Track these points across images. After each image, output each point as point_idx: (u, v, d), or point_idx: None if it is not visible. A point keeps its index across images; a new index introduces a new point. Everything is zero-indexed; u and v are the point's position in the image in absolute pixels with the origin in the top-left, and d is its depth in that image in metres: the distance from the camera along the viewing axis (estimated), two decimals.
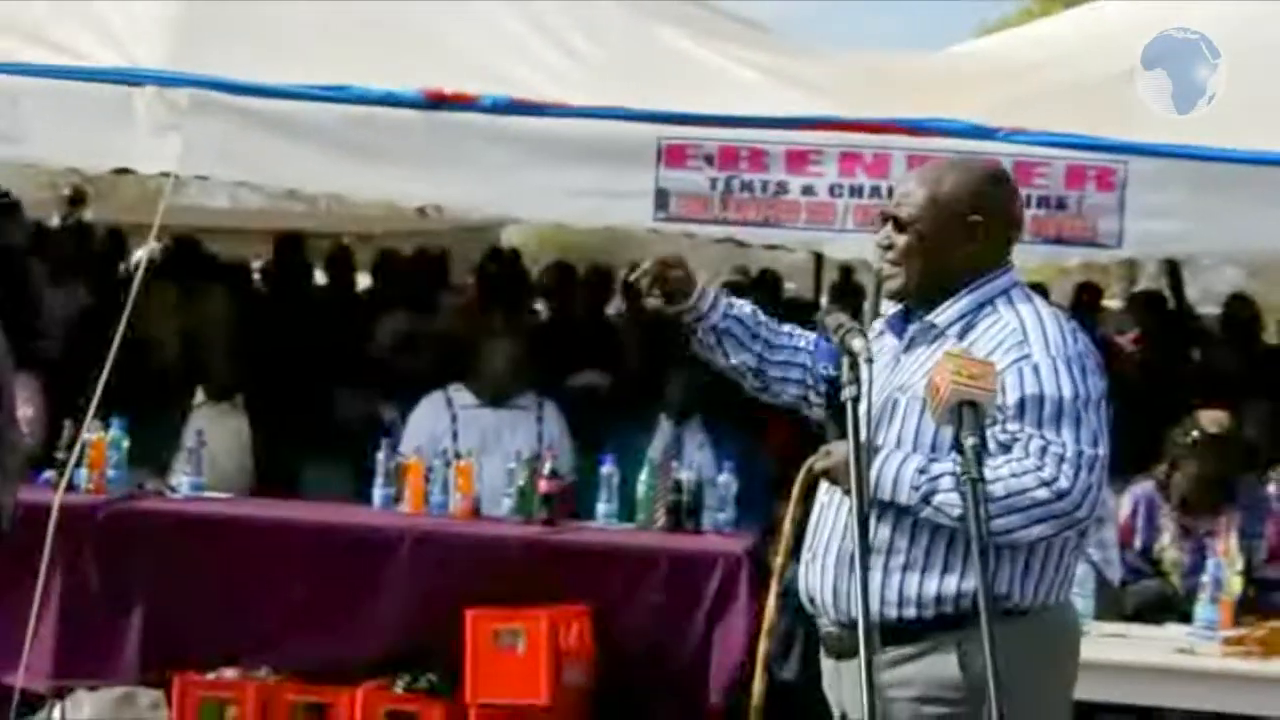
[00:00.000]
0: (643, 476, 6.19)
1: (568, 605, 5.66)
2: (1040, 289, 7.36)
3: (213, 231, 12.11)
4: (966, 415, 2.98)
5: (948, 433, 3.22)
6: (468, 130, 6.06)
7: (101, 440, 6.15)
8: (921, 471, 3.24)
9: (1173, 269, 9.88)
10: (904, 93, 6.40)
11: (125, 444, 6.24)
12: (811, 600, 3.44)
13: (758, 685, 3.53)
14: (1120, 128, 6.01)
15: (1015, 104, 6.23)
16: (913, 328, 3.44)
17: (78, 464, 6.04)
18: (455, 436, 6.74)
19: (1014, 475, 3.19)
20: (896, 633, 3.25)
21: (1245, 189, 5.87)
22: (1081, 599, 5.31)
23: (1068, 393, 3.23)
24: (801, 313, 9.26)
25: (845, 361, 3.15)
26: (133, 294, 5.95)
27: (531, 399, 6.90)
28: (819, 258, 9.60)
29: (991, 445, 3.14)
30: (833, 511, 3.41)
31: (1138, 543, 6.20)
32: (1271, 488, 6.38)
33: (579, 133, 6.05)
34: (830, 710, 3.52)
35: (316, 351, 7.95)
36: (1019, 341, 3.29)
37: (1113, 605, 5.87)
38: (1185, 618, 5.70)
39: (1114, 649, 5.24)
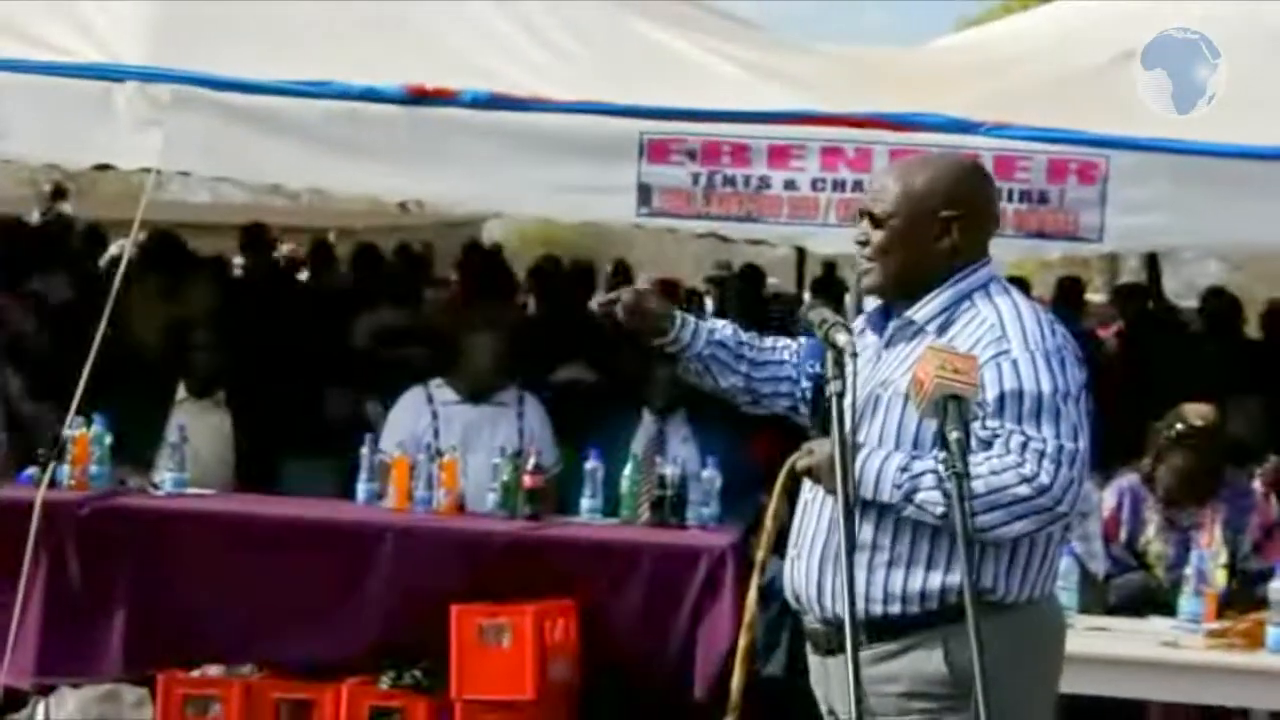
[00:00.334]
0: (627, 471, 6.19)
1: (553, 600, 5.65)
2: (1022, 283, 7.38)
3: (193, 227, 12.09)
4: (951, 409, 2.99)
5: (930, 428, 3.22)
6: (450, 125, 6.05)
7: (84, 437, 6.13)
8: (903, 470, 3.24)
9: (1152, 262, 9.91)
10: (886, 87, 6.41)
11: (108, 440, 6.22)
12: (796, 597, 3.44)
13: (737, 679, 3.53)
14: (1102, 121, 6.02)
15: (997, 98, 6.24)
16: (893, 324, 3.45)
17: (60, 461, 6.02)
18: (436, 434, 6.73)
19: (994, 472, 3.19)
20: (881, 629, 3.25)
21: (1227, 182, 5.88)
22: (1065, 592, 5.31)
23: (1047, 387, 3.23)
24: (784, 307, 9.32)
25: (830, 357, 3.15)
26: (114, 290, 5.94)
27: (512, 394, 6.89)
28: (801, 252, 9.61)
29: (972, 441, 3.14)
30: (816, 509, 3.41)
31: (1122, 535, 6.21)
32: (1256, 482, 6.40)
33: (562, 128, 6.05)
34: (817, 705, 3.52)
35: (299, 347, 7.94)
36: (997, 337, 3.29)
37: (1097, 598, 5.88)
38: (1169, 610, 5.72)
39: (1098, 642, 5.25)
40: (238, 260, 10.59)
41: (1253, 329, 9.50)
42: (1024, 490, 3.19)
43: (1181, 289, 12.78)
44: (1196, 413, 6.14)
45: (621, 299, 3.63)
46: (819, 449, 3.32)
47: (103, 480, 6.20)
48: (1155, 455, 6.21)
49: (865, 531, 3.26)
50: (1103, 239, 6.03)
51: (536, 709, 5.57)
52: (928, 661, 3.28)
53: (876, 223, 3.44)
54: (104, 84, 6.05)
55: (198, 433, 6.70)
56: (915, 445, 3.28)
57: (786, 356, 3.67)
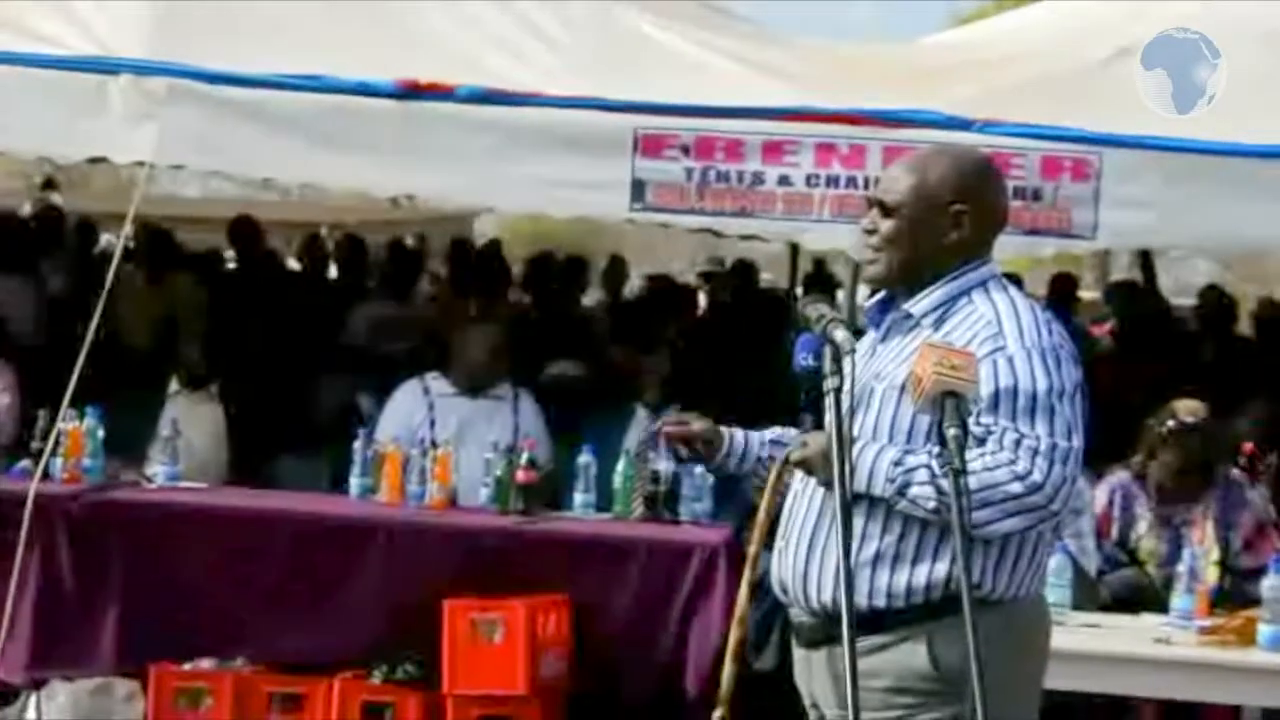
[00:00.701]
0: (620, 467, 6.19)
1: (545, 595, 5.66)
2: (1015, 280, 7.34)
3: (184, 221, 12.08)
4: (949, 406, 2.98)
5: (923, 422, 3.22)
6: (443, 120, 6.05)
7: (77, 429, 6.13)
8: (897, 464, 3.24)
9: (1146, 260, 9.92)
10: (880, 84, 6.41)
11: (100, 433, 6.22)
12: (783, 588, 3.44)
13: (727, 673, 3.53)
14: (1095, 119, 6.02)
15: (991, 95, 6.25)
16: (890, 317, 3.45)
17: (53, 453, 6.02)
18: (432, 425, 6.73)
19: (987, 469, 3.18)
20: (867, 623, 3.23)
21: (1220, 180, 5.88)
22: (1058, 589, 5.32)
23: (1041, 385, 3.23)
24: (776, 303, 9.33)
25: (828, 352, 3.14)
26: (108, 283, 5.93)
27: (508, 389, 6.90)
28: (794, 248, 9.60)
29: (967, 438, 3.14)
30: (805, 500, 3.41)
31: (1114, 533, 6.22)
32: (1237, 476, 6.41)
33: (555, 123, 6.05)
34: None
35: (292, 340, 7.94)
36: (993, 334, 3.28)
37: (1089, 595, 5.89)
38: (1161, 607, 5.72)
39: (1091, 639, 5.25)
40: (230, 254, 10.57)
41: (1244, 326, 9.52)
42: (1017, 488, 3.19)
43: (1172, 287, 12.79)
44: (1187, 409, 6.14)
45: (671, 429, 3.66)
46: (813, 442, 3.32)
47: (95, 473, 6.20)
48: (1147, 452, 6.22)
49: (854, 524, 3.25)
50: (1096, 236, 6.05)
51: (528, 704, 5.57)
52: (912, 657, 3.27)
53: (886, 212, 3.43)
54: (98, 77, 6.05)
55: (190, 426, 6.70)
56: (908, 438, 3.28)
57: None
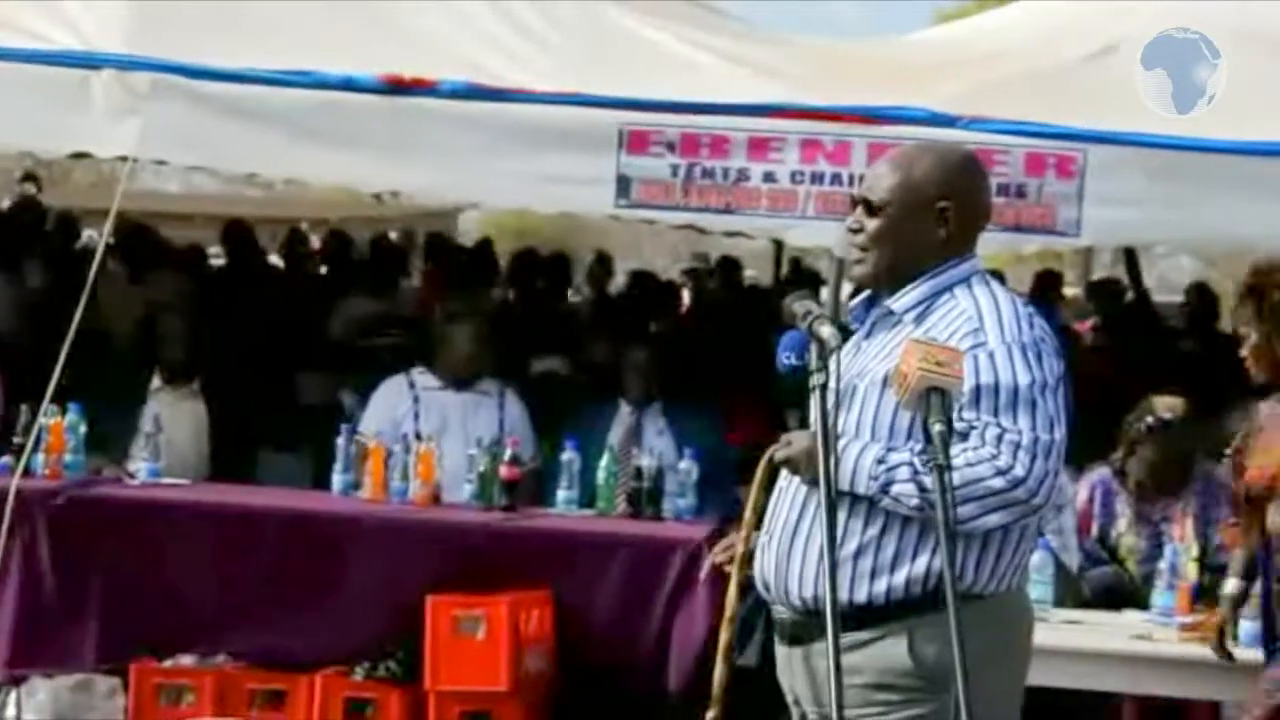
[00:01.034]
0: (603, 463, 6.19)
1: (528, 592, 5.65)
2: (998, 276, 7.35)
3: (165, 216, 12.06)
4: (934, 401, 2.99)
5: (905, 419, 3.23)
6: (428, 116, 6.04)
7: (59, 425, 6.11)
8: (880, 461, 3.24)
9: (1130, 257, 9.94)
10: (865, 80, 6.41)
11: (82, 429, 6.20)
12: (765, 585, 3.44)
13: (719, 673, 3.53)
14: (1079, 116, 6.03)
15: (975, 92, 6.25)
16: (873, 314, 3.45)
17: (34, 449, 6.00)
18: (417, 417, 6.72)
19: (970, 464, 3.19)
20: (849, 619, 3.22)
21: (1204, 177, 5.89)
22: (1040, 585, 5.34)
23: (1023, 379, 3.23)
24: (760, 299, 9.33)
25: (814, 348, 3.14)
26: (90, 278, 5.91)
27: (494, 385, 6.89)
28: (779, 244, 9.61)
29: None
30: (788, 497, 3.41)
31: (1094, 529, 6.23)
32: (1217, 472, 6.42)
33: (540, 119, 6.04)
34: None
35: (274, 336, 7.92)
36: (974, 329, 3.29)
37: (1071, 592, 5.90)
38: (1141, 604, 5.73)
39: (1072, 635, 5.26)
40: (213, 250, 10.56)
41: (1225, 324, 9.53)
42: (999, 483, 3.19)
43: (1155, 284, 12.81)
44: (1166, 406, 6.16)
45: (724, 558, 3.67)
46: (797, 440, 3.32)
47: (77, 469, 6.18)
48: (1127, 449, 6.23)
49: (836, 520, 3.25)
50: (1080, 233, 6.06)
51: (510, 700, 5.57)
52: (893, 653, 3.28)
53: (872, 210, 3.43)
54: (81, 72, 6.02)
55: (173, 422, 6.68)
56: (891, 435, 3.29)
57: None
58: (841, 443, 3.24)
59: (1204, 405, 6.63)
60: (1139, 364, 7.87)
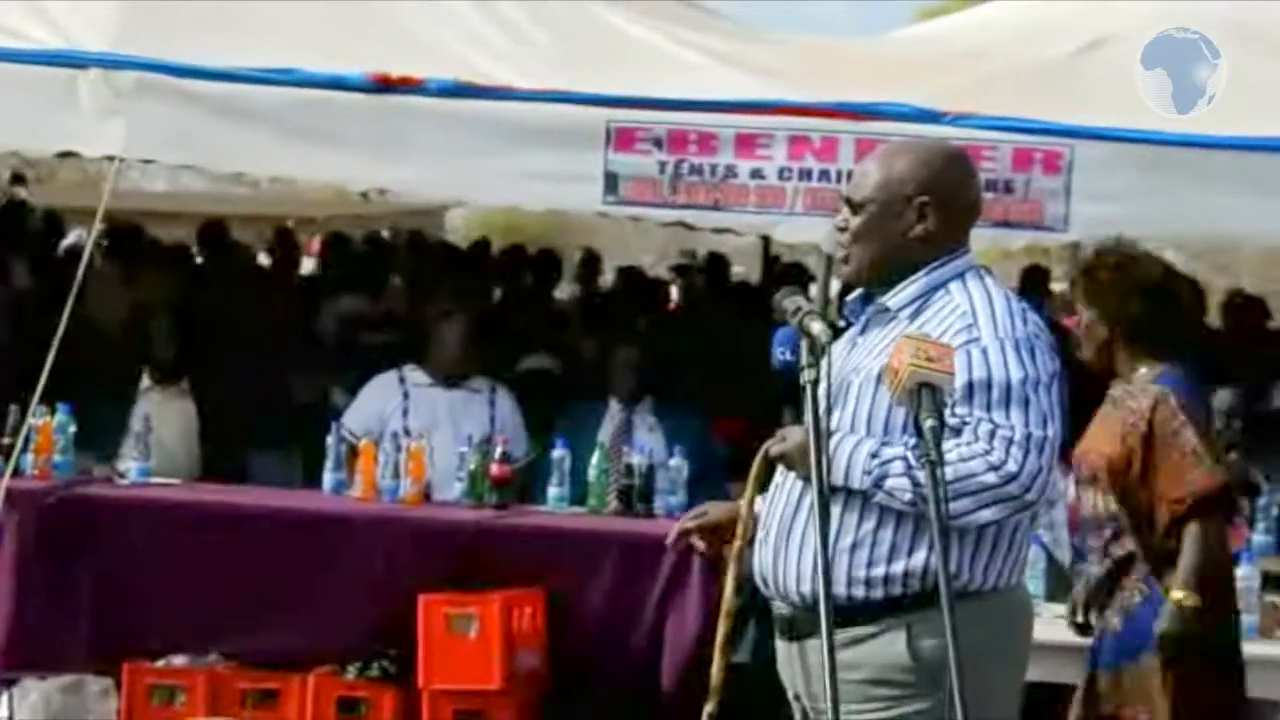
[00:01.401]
0: (594, 461, 6.19)
1: (520, 590, 5.65)
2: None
3: (152, 215, 12.04)
4: (925, 398, 3.00)
5: (899, 414, 3.24)
6: (415, 114, 6.04)
7: (48, 425, 6.10)
8: (874, 456, 3.25)
9: None
10: (852, 77, 6.42)
11: (72, 429, 6.19)
12: (764, 581, 3.45)
13: (716, 667, 3.54)
14: (1066, 111, 6.04)
15: (963, 88, 6.26)
16: (869, 310, 3.46)
17: (24, 450, 5.99)
18: (406, 414, 6.72)
19: (963, 459, 3.19)
20: (846, 614, 3.23)
21: (1191, 172, 5.91)
22: (1032, 580, 5.33)
23: (1015, 375, 3.24)
24: (748, 296, 9.34)
25: (804, 345, 3.15)
26: (78, 278, 5.91)
27: (484, 382, 6.89)
28: (767, 241, 9.60)
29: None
30: (784, 493, 3.42)
31: None
32: None
33: (527, 116, 6.04)
34: (781, 691, 3.52)
35: (264, 335, 7.91)
36: (968, 324, 3.30)
37: (1063, 587, 5.90)
38: None
39: (1064, 630, 5.26)
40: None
41: (1212, 318, 9.55)
42: (991, 478, 3.20)
43: None
44: None
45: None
46: (792, 435, 3.33)
47: (67, 469, 6.17)
48: None
49: (832, 515, 3.26)
50: (1067, 228, 6.06)
51: (503, 698, 5.57)
52: (891, 648, 3.28)
53: (855, 208, 3.45)
54: (67, 71, 6.01)
55: (162, 421, 6.68)
56: (885, 430, 3.29)
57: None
58: (835, 438, 3.25)
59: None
60: None
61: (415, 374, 6.87)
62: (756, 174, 6.02)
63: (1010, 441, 3.20)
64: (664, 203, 6.10)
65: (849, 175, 5.74)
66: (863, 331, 3.46)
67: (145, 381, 7.03)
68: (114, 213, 8.46)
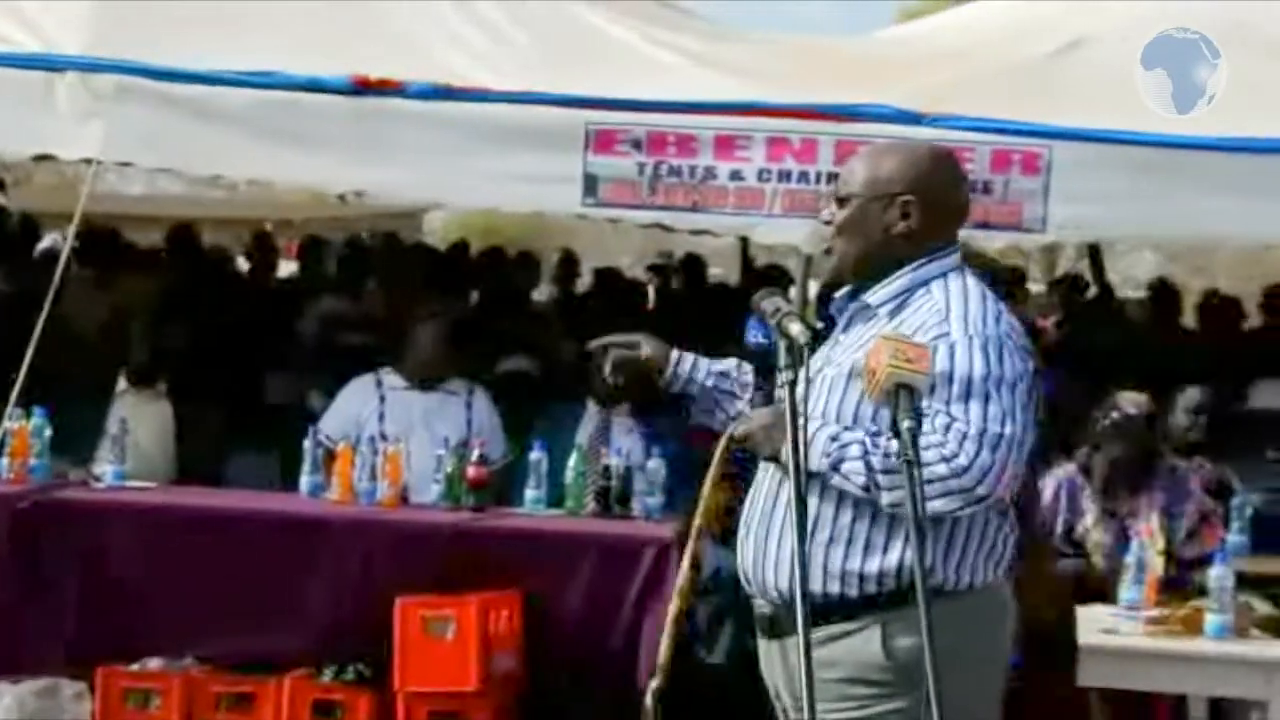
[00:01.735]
0: (571, 462, 6.18)
1: (497, 592, 5.64)
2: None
3: (129, 219, 11.99)
4: (903, 398, 3.00)
5: (869, 408, 3.26)
6: (394, 116, 6.04)
7: (24, 429, 6.08)
8: (834, 439, 3.26)
9: (1094, 253, 9.98)
10: (831, 78, 6.43)
11: (47, 433, 6.17)
12: (746, 579, 3.46)
13: (665, 643, 3.55)
14: (1045, 113, 6.06)
15: (941, 89, 6.27)
16: (851, 307, 3.48)
17: None
18: (382, 418, 6.71)
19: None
20: (822, 611, 3.24)
21: (1169, 173, 5.93)
22: None
23: (979, 371, 3.24)
24: (726, 298, 9.33)
25: (782, 345, 3.15)
26: (55, 281, 5.89)
27: (462, 385, 6.89)
28: (745, 242, 9.61)
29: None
30: (764, 489, 3.43)
31: (1060, 525, 6.26)
32: (1194, 473, 6.46)
33: (506, 118, 6.04)
34: (757, 693, 3.53)
35: (241, 338, 7.89)
36: (940, 320, 3.31)
37: None
38: (1106, 597, 5.76)
39: None
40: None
41: (1188, 319, 9.59)
42: (942, 469, 3.19)
43: (1118, 279, 12.85)
44: (1130, 401, 6.19)
45: (607, 364, 3.69)
46: (757, 416, 3.37)
47: (42, 473, 6.15)
48: (1091, 444, 6.27)
49: (809, 509, 3.25)
50: (1045, 229, 6.08)
51: (480, 701, 5.56)
52: (867, 647, 3.28)
53: (841, 202, 3.48)
54: (44, 74, 6.00)
55: (139, 425, 6.66)
56: (855, 423, 3.31)
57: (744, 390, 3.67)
58: (789, 417, 3.26)
59: (1168, 400, 6.67)
60: (1102, 359, 7.90)
61: (392, 378, 6.86)
62: (735, 175, 6.03)
63: (964, 436, 3.21)
64: (643, 204, 6.10)
65: (828, 177, 5.77)
66: (845, 328, 3.48)
67: (121, 384, 7.02)
68: (91, 216, 8.44)
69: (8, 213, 10.57)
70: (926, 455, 3.18)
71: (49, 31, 6.19)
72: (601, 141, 6.00)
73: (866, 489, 3.23)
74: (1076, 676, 5.27)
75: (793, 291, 6.58)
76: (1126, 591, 5.59)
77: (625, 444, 6.62)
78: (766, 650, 3.47)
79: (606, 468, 6.15)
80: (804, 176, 5.94)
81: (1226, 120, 5.94)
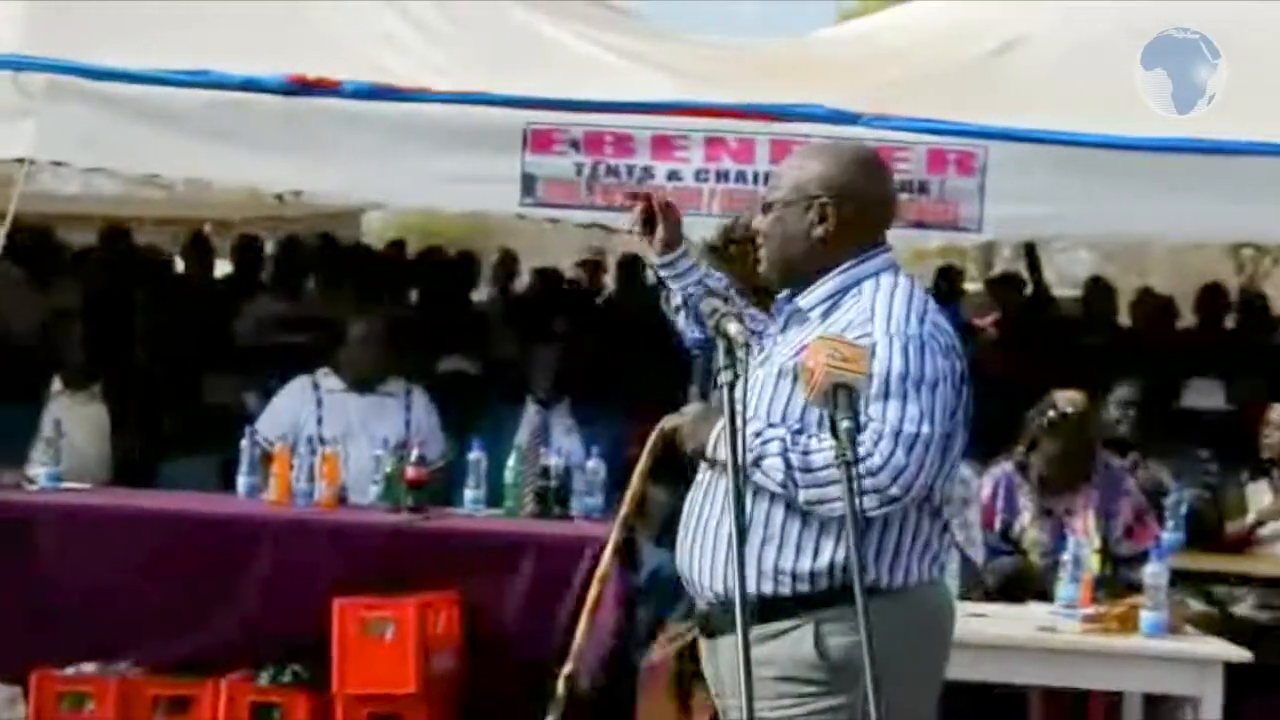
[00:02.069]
0: (510, 463, 6.17)
1: (436, 593, 5.63)
2: None
3: (63, 218, 11.88)
4: (841, 398, 3.01)
5: (799, 406, 3.27)
6: (331, 116, 6.02)
7: None
8: (757, 435, 3.27)
9: (1030, 251, 10.04)
10: (768, 78, 6.45)
11: None
12: (687, 579, 3.46)
13: (581, 629, 3.56)
14: (981, 113, 6.09)
15: (878, 89, 6.30)
16: (787, 310, 3.49)
17: None
18: (320, 421, 6.68)
19: (834, 448, 3.22)
20: (757, 610, 3.23)
21: (1104, 173, 5.98)
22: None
23: (896, 371, 3.24)
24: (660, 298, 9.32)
25: (721, 345, 3.16)
26: None
27: (400, 386, 6.86)
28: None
29: (824, 420, 3.19)
30: (703, 490, 3.44)
31: (997, 523, 6.29)
32: (1120, 463, 6.51)
33: (444, 118, 6.03)
34: (687, 694, 3.54)
35: (178, 339, 7.84)
36: (864, 320, 3.32)
37: (976, 585, 5.96)
38: (1045, 596, 5.80)
39: (978, 628, 5.31)
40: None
41: (1123, 317, 9.66)
42: (857, 468, 3.19)
43: (1053, 278, 12.94)
44: (1067, 399, 6.23)
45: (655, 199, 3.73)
46: (687, 411, 3.40)
47: None
48: (1028, 443, 6.30)
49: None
50: (981, 229, 6.12)
51: (418, 702, 5.54)
52: (800, 646, 3.29)
53: (765, 209, 3.49)
54: None
55: (74, 426, 6.61)
56: (784, 421, 3.32)
57: (760, 327, 3.67)
58: (725, 418, 3.27)
59: (1103, 399, 6.72)
60: (1039, 357, 7.96)
61: (329, 380, 6.83)
62: (673, 175, 6.04)
63: (880, 435, 3.22)
64: (581, 204, 6.10)
65: (765, 177, 5.77)
66: (783, 330, 3.49)
67: (56, 386, 6.96)
68: (23, 216, 8.36)
69: None
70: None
71: None
72: (539, 141, 6.00)
73: (784, 486, 3.25)
74: None
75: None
76: (1063, 589, 5.62)
77: (564, 444, 6.61)
78: (707, 648, 3.48)
79: (546, 468, 6.15)
80: (741, 176, 5.96)
81: (1159, 121, 5.99)
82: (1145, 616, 5.34)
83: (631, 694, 5.28)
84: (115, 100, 5.95)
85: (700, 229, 6.22)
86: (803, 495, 3.24)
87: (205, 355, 7.94)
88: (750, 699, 2.92)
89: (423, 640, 5.50)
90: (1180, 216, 6.10)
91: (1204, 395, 8.21)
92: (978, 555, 6.06)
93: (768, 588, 3.30)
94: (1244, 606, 6.97)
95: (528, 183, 6.04)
